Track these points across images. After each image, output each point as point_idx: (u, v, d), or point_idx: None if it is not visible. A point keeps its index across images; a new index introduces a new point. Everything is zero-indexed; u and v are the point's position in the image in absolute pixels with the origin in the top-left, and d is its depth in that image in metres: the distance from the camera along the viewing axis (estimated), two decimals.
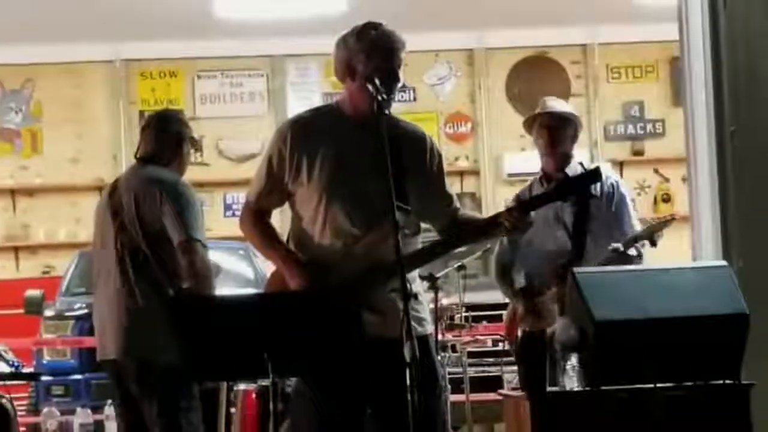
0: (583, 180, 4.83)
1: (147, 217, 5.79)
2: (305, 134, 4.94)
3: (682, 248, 8.41)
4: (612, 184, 6.29)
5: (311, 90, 13.98)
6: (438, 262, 7.26)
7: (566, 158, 6.27)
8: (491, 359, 8.89)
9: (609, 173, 6.35)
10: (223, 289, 8.30)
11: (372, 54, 4.84)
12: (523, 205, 4.87)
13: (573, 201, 5.97)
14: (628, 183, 14.12)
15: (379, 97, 4.71)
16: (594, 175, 4.82)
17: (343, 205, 4.83)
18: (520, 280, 6.21)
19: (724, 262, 5.28)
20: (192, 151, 6.16)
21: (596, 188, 6.10)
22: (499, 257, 6.46)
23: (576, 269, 4.88)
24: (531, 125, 6.37)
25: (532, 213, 4.77)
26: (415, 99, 13.99)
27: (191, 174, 6.19)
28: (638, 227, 6.36)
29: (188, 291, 5.67)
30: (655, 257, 11.03)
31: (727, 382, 4.54)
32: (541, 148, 6.31)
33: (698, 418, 4.56)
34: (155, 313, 5.69)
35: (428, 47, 13.51)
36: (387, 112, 4.73)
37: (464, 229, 5.00)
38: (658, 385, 4.48)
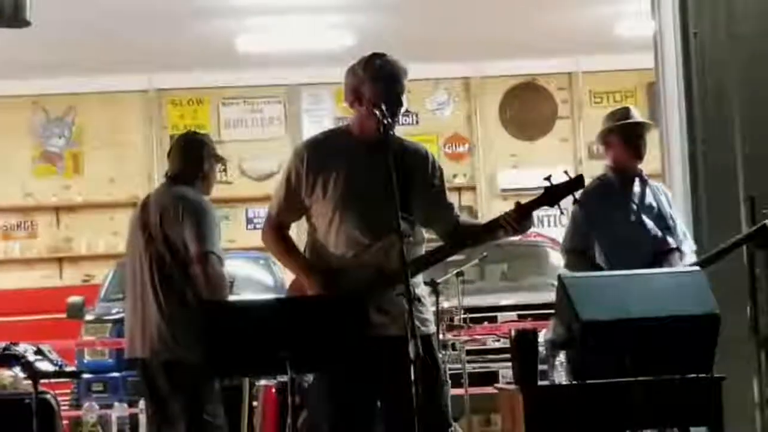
0: (569, 186, 4.82)
1: (171, 230, 5.78)
2: (319, 154, 4.93)
3: None
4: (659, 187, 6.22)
5: (323, 115, 13.98)
6: (439, 269, 7.26)
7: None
8: (488, 356, 8.89)
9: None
10: (244, 295, 8.31)
11: (377, 81, 4.83)
12: (522, 209, 4.86)
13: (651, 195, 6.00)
14: None
15: (385, 121, 4.70)
16: (578, 181, 4.82)
17: (354, 217, 4.82)
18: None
19: (697, 267, 5.26)
20: (219, 166, 6.15)
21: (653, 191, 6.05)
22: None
23: (564, 274, 4.88)
24: (617, 132, 6.17)
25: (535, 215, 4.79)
26: (417, 122, 13.98)
27: (217, 192, 6.19)
28: None
29: (207, 298, 5.66)
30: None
31: (701, 375, 4.52)
32: (627, 151, 6.14)
33: (675, 409, 4.54)
34: (180, 317, 5.69)
35: (428, 76, 13.51)
36: (392, 132, 4.73)
37: (467, 232, 5.00)
38: (639, 378, 4.46)
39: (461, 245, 5.08)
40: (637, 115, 6.20)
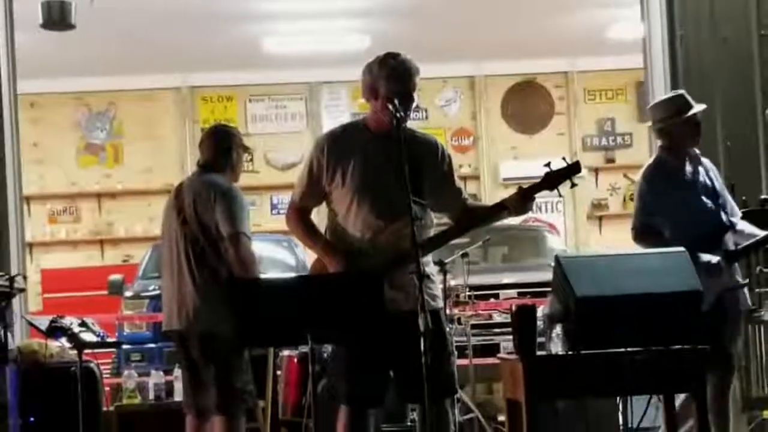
0: (567, 171, 4.82)
1: (203, 214, 5.78)
2: (338, 145, 4.94)
3: None
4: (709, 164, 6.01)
5: (341, 111, 13.98)
6: (446, 251, 7.26)
7: None
8: (490, 330, 8.89)
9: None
10: (269, 274, 8.33)
11: (392, 79, 4.83)
12: (524, 193, 4.86)
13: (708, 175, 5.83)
14: (602, 186, 14.28)
15: (398, 114, 4.71)
16: (576, 167, 4.81)
17: (370, 202, 4.82)
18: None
19: (682, 249, 5.25)
20: (246, 156, 6.15)
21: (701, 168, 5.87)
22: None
23: (561, 255, 4.87)
24: (678, 120, 5.93)
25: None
26: (427, 117, 13.98)
27: (244, 180, 6.19)
28: None
29: (238, 275, 5.67)
30: (624, 245, 11.00)
31: (686, 347, 4.52)
32: (690, 135, 5.90)
33: (661, 377, 4.54)
34: (212, 292, 5.70)
35: (437, 75, 13.51)
36: (404, 125, 4.74)
37: (475, 214, 5.01)
38: (628, 349, 4.46)
39: (467, 228, 5.09)
40: (692, 100, 5.99)
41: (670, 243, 5.64)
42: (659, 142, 5.97)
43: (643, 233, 5.84)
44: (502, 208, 4.89)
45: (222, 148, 6.00)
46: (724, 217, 5.77)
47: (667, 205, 5.77)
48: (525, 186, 4.85)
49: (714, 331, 5.21)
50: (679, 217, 5.74)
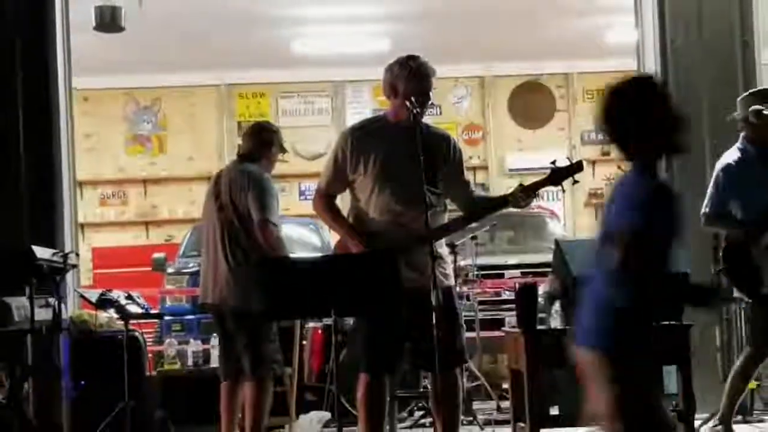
0: (570, 169, 4.80)
1: (238, 200, 5.79)
2: (361, 138, 4.94)
3: None
4: None
5: (363, 107, 13.95)
6: (457, 234, 7.26)
7: None
8: (496, 306, 8.88)
9: None
10: (297, 254, 8.33)
11: (411, 79, 4.83)
12: (527, 189, 4.85)
13: None
14: (598, 176, 14.22)
15: (415, 110, 4.70)
16: (579, 166, 4.80)
17: (390, 190, 4.82)
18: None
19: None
20: (280, 155, 6.15)
21: None
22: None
23: (560, 239, 4.86)
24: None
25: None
26: (440, 113, 13.93)
27: (274, 169, 6.19)
28: None
29: (269, 256, 5.66)
30: None
31: (672, 323, 4.51)
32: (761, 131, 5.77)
33: None
34: (245, 270, 5.70)
35: (450, 75, 13.45)
36: (421, 120, 4.73)
37: (481, 204, 5.00)
38: None
39: (475, 217, 5.07)
40: None
41: (742, 225, 5.60)
42: (743, 133, 5.85)
43: (716, 217, 5.75)
44: (504, 202, 4.88)
45: (261, 142, 6.00)
46: None
47: (742, 190, 5.68)
48: (528, 179, 4.83)
49: None
50: (752, 203, 5.65)
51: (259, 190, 5.74)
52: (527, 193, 4.80)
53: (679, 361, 4.56)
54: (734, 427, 5.92)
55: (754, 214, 5.60)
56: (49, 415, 6.71)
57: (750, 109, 5.82)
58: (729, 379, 5.74)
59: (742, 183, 5.70)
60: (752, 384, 6.71)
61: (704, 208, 5.79)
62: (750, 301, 5.83)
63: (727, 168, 5.80)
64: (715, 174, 5.85)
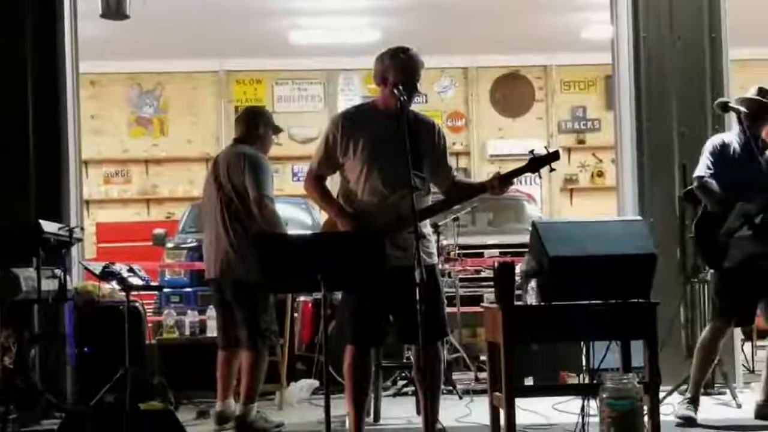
0: (548, 158, 4.80)
1: (235, 179, 5.79)
2: (351, 123, 4.92)
3: (611, 208, 8.39)
4: None
5: (354, 94, 13.92)
6: (440, 215, 7.26)
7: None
8: (476, 283, 8.89)
9: None
10: (289, 231, 8.30)
11: (400, 69, 4.81)
12: (503, 177, 4.85)
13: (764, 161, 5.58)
14: (573, 163, 14.25)
15: (402, 98, 4.69)
16: (555, 155, 4.80)
17: (378, 172, 4.81)
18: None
19: (640, 218, 5.25)
20: (274, 136, 6.12)
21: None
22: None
23: (537, 221, 4.87)
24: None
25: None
26: (426, 101, 13.90)
27: (270, 151, 6.18)
28: None
29: (264, 231, 5.67)
30: (591, 214, 10.95)
31: (640, 301, 4.53)
32: (746, 121, 5.73)
33: (620, 326, 4.54)
34: (243, 246, 5.71)
35: (436, 65, 13.43)
36: (408, 108, 4.72)
37: (461, 190, 4.99)
38: (592, 301, 4.47)
39: (455, 202, 5.06)
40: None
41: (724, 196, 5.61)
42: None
43: (706, 184, 5.74)
44: (482, 189, 4.88)
45: (256, 124, 6.00)
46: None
47: (725, 168, 5.69)
48: (508, 165, 4.84)
49: None
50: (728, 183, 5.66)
51: (254, 169, 5.75)
52: (503, 181, 4.79)
53: (645, 337, 4.58)
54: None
55: (733, 195, 5.63)
56: (54, 380, 6.72)
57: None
58: (695, 354, 5.76)
59: (732, 164, 5.72)
60: None
61: (699, 172, 5.78)
62: (713, 273, 5.86)
63: (721, 144, 5.80)
64: (711, 145, 5.82)
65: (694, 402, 5.70)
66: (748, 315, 5.76)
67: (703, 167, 5.78)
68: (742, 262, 5.52)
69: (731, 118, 6.14)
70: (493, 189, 4.80)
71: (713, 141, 5.87)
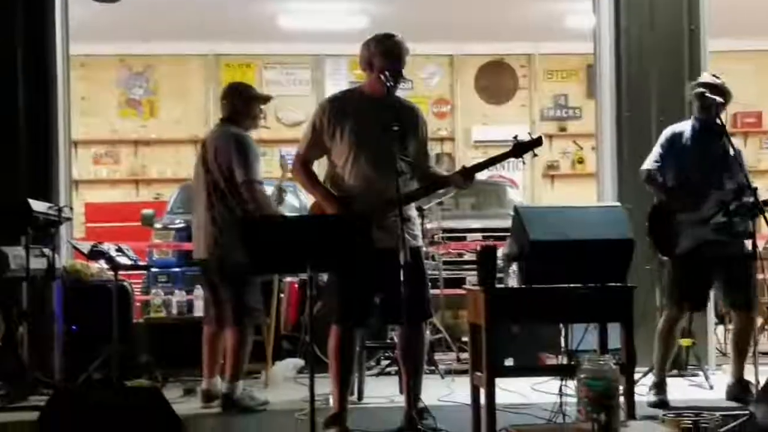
0: (531, 144, 4.82)
1: (222, 162, 5.76)
2: (338, 108, 4.93)
3: (591, 195, 8.42)
4: (737, 148, 5.68)
5: (341, 79, 13.87)
6: (425, 199, 7.27)
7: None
8: (459, 265, 8.91)
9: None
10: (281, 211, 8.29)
11: (386, 56, 4.81)
12: (467, 171, 4.85)
13: (719, 146, 5.57)
14: (555, 150, 14.28)
15: (389, 84, 4.69)
16: (538, 140, 4.81)
17: (364, 156, 4.82)
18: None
19: (618, 204, 5.27)
20: (260, 109, 6.02)
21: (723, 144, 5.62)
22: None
23: (519, 206, 4.88)
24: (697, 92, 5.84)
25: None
26: (412, 88, 13.88)
27: (258, 135, 6.15)
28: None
29: (252, 213, 5.66)
30: (572, 199, 10.97)
31: (618, 285, 4.55)
32: (698, 108, 5.80)
33: (597, 308, 4.56)
34: (230, 227, 5.70)
35: (422, 52, 13.39)
36: (394, 94, 4.72)
37: (433, 181, 4.97)
38: (571, 285, 4.49)
39: (427, 191, 5.01)
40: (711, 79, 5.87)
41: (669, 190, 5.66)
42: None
43: (653, 177, 5.83)
44: (447, 183, 4.88)
45: (241, 100, 5.94)
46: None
47: (679, 158, 5.73)
48: (492, 151, 4.85)
49: None
50: (681, 172, 5.72)
51: (241, 152, 5.71)
52: (466, 175, 4.80)
53: (622, 320, 4.60)
54: (670, 380, 6.01)
55: (685, 183, 5.69)
56: (42, 357, 6.70)
57: (694, 91, 5.89)
58: (655, 341, 5.81)
59: (683, 153, 5.76)
60: (687, 341, 6.81)
61: (646, 165, 5.86)
62: (666, 260, 5.91)
63: (672, 135, 5.87)
64: (663, 137, 5.90)
65: (659, 386, 5.75)
66: (700, 301, 5.81)
67: (650, 160, 5.89)
68: (693, 249, 5.59)
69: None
70: (456, 182, 4.80)
71: (665, 132, 5.95)
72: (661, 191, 5.80)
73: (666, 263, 6.03)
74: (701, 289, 5.77)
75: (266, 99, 6.09)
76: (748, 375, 5.65)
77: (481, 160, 4.93)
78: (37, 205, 6.34)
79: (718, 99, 5.68)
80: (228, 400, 5.78)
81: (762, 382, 4.85)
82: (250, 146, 5.80)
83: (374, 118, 4.76)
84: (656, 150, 5.90)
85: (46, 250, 6.56)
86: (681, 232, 5.56)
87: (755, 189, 5.21)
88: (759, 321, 6.48)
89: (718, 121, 5.63)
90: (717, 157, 5.68)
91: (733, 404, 5.60)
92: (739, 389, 5.71)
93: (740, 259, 5.60)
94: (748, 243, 5.51)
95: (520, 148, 4.79)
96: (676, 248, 5.67)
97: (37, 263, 6.44)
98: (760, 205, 5.19)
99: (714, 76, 5.91)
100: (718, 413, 4.98)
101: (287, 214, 9.21)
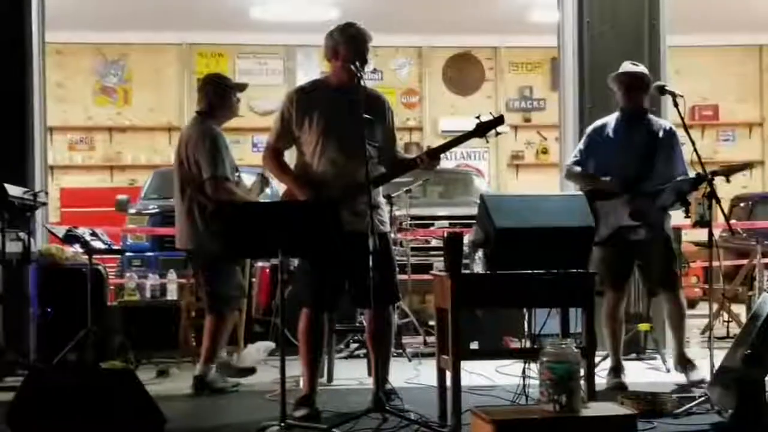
0: (493, 123, 4.83)
1: (193, 156, 5.71)
2: (306, 98, 4.91)
3: (554, 184, 8.45)
4: (670, 128, 5.78)
5: (313, 69, 13.80)
6: (393, 187, 7.27)
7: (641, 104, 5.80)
8: (426, 252, 8.93)
9: (666, 122, 5.90)
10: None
11: (350, 43, 4.80)
12: (433, 152, 4.87)
13: (644, 133, 5.61)
14: (520, 140, 14.34)
15: (358, 74, 4.69)
16: (500, 119, 4.82)
17: (333, 144, 4.81)
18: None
19: (580, 193, 5.29)
20: (236, 97, 5.90)
21: (659, 127, 5.67)
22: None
23: (485, 194, 4.89)
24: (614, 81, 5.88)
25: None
26: (382, 79, 13.88)
27: (231, 123, 6.08)
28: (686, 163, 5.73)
29: (224, 202, 5.58)
30: (536, 188, 10.99)
31: (579, 271, 4.57)
32: (621, 97, 5.83)
33: (559, 294, 4.55)
34: (203, 219, 5.65)
35: (392, 44, 13.42)
36: (361, 83, 4.71)
37: (400, 163, 4.98)
38: (535, 271, 4.50)
39: (396, 174, 5.03)
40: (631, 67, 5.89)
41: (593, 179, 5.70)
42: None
43: (573, 172, 5.87)
44: (414, 164, 4.89)
45: (217, 92, 5.86)
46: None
47: (604, 150, 5.76)
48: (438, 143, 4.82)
49: None
50: (605, 163, 5.75)
51: (208, 149, 5.61)
52: (432, 156, 4.82)
53: (583, 305, 4.62)
54: (628, 364, 6.05)
55: (607, 173, 5.74)
56: (18, 339, 6.65)
57: (654, 85, 5.90)
58: (603, 327, 5.82)
59: (605, 145, 5.79)
60: (645, 326, 6.86)
61: (566, 161, 5.93)
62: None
63: (592, 130, 5.91)
64: (586, 132, 5.97)
65: (616, 370, 5.78)
66: (620, 283, 5.82)
67: (570, 156, 5.98)
68: (610, 235, 5.62)
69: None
70: (422, 162, 4.82)
71: (589, 127, 5.99)
72: (582, 182, 5.83)
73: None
74: (621, 274, 5.81)
75: (242, 87, 6.00)
76: (690, 353, 5.84)
77: (445, 141, 4.93)
78: (13, 190, 6.27)
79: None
80: (200, 381, 5.76)
81: (716, 366, 4.90)
82: (220, 144, 5.68)
83: (342, 107, 4.75)
84: (578, 146, 5.97)
85: (22, 234, 6.50)
86: (599, 219, 5.57)
87: (711, 178, 5.23)
88: (714, 307, 6.52)
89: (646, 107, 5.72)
90: (641, 144, 5.71)
91: (684, 380, 5.68)
92: (683, 363, 5.78)
93: (659, 240, 5.68)
94: (668, 228, 5.69)
95: (483, 128, 4.80)
96: (596, 236, 5.68)
97: (13, 247, 6.37)
98: (715, 195, 5.23)
99: (633, 63, 5.95)
100: (674, 395, 5.03)
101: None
